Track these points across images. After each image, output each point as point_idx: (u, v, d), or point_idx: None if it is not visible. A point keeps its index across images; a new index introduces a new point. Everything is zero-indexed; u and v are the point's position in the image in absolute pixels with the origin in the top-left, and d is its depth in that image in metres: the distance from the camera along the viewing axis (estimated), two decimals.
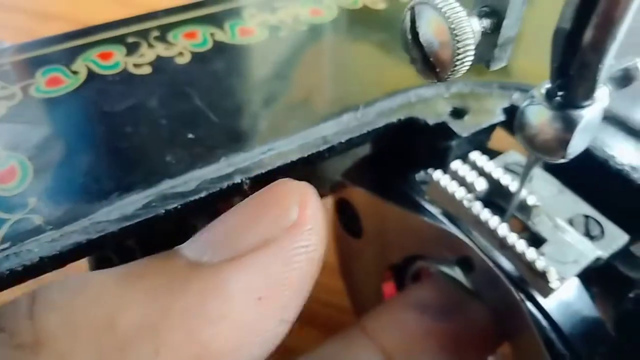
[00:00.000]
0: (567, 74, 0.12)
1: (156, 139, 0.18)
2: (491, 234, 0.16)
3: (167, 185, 0.16)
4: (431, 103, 0.20)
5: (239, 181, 0.16)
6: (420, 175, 0.20)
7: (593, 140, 0.19)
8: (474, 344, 0.17)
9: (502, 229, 0.16)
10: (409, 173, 0.20)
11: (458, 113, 0.19)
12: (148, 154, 0.17)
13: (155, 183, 0.16)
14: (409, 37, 0.13)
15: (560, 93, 0.13)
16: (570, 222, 0.17)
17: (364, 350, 0.16)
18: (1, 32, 0.45)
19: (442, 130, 0.19)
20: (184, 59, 0.21)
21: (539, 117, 0.13)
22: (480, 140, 0.19)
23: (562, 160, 0.14)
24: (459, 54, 0.13)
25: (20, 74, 0.19)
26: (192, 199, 0.16)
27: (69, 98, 0.19)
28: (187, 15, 0.23)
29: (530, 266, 0.15)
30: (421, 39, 0.13)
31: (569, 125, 0.13)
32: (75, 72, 0.20)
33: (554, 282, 0.15)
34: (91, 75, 0.20)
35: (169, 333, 0.09)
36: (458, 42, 0.13)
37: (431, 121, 0.19)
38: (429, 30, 0.13)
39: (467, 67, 0.13)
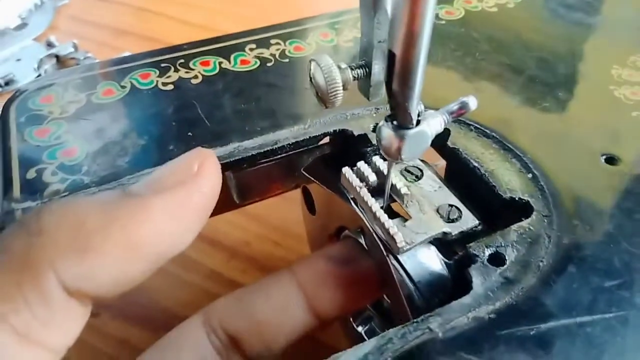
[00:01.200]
0: (393, 108, 0.20)
1: (167, 134, 0.27)
2: (371, 211, 0.23)
3: None
4: (360, 120, 0.27)
5: None
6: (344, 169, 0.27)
7: (471, 153, 0.26)
8: (361, 288, 0.25)
9: (376, 207, 0.23)
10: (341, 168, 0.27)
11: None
12: (160, 144, 0.26)
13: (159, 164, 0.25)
14: (309, 79, 0.22)
15: (393, 119, 0.20)
16: (438, 209, 0.24)
17: (287, 281, 0.24)
18: (86, 45, 0.57)
19: (363, 140, 0.26)
20: (197, 80, 0.30)
21: (384, 133, 0.21)
22: None
23: (402, 162, 0.21)
24: (330, 93, 0.21)
25: (86, 86, 0.29)
26: None
27: (116, 104, 0.28)
28: (204, 48, 0.32)
29: (388, 232, 0.22)
30: (312, 82, 0.21)
31: (400, 138, 0.20)
32: (123, 87, 0.29)
33: (400, 243, 0.22)
34: (133, 89, 0.29)
35: (115, 229, 0.17)
36: (329, 85, 0.20)
37: (356, 132, 0.27)
38: (317, 77, 0.21)
39: (340, 100, 0.21)
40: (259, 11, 0.59)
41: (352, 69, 0.21)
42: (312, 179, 0.29)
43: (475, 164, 0.25)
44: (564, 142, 0.27)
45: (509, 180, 0.24)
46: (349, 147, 0.28)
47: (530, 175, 0.25)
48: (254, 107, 0.28)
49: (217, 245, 0.38)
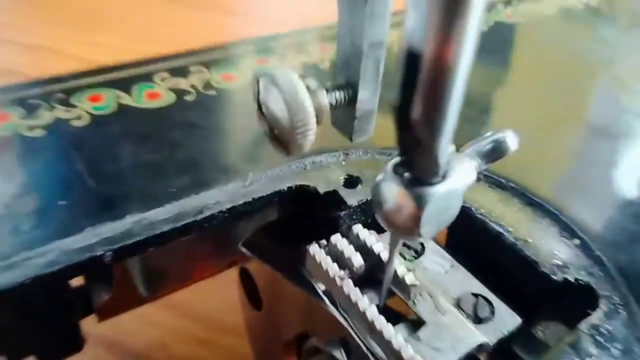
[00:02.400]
0: (406, 151, 0.12)
1: (24, 204, 0.17)
2: (364, 318, 0.15)
3: (19, 258, 0.15)
4: (325, 171, 0.19)
5: (100, 253, 0.15)
6: (312, 247, 0.19)
7: (488, 212, 0.18)
8: None
9: (371, 312, 0.14)
10: (302, 244, 0.19)
11: (351, 181, 0.18)
12: (10, 221, 0.16)
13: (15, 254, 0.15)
14: (256, 108, 0.13)
15: (406, 169, 0.12)
16: (458, 302, 0.16)
17: None
18: None
19: (333, 199, 0.18)
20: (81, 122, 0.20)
21: (389, 193, 0.13)
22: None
23: (421, 240, 0.13)
24: (298, 129, 0.12)
25: None
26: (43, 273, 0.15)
27: None
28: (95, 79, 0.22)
29: (398, 355, 0.14)
30: (265, 112, 0.13)
31: (417, 203, 0.12)
32: None
33: None
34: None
35: None
36: (295, 116, 0.12)
37: (322, 189, 0.18)
38: (272, 104, 0.12)
39: (310, 141, 0.13)
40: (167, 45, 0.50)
41: (328, 92, 0.13)
42: (255, 257, 0.20)
43: (499, 229, 0.17)
44: (604, 189, 0.20)
45: (552, 251, 0.17)
46: (310, 212, 0.19)
47: (576, 242, 0.17)
48: (166, 158, 0.19)
49: (120, 351, 0.27)
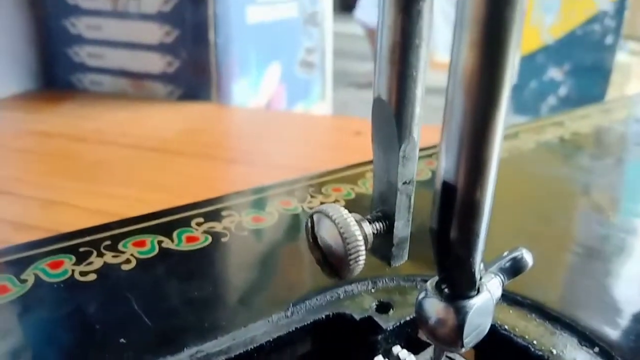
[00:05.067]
0: (446, 269, 0.14)
1: (87, 343, 0.18)
2: None
3: None
4: (358, 299, 0.21)
5: None
6: None
7: (512, 328, 0.19)
8: None
9: None
10: None
11: (383, 307, 0.20)
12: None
13: None
14: (310, 240, 0.15)
15: (445, 285, 0.14)
16: None
17: None
18: None
19: (368, 325, 0.19)
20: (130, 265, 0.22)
21: (432, 309, 0.14)
22: (408, 334, 0.20)
23: (463, 350, 0.14)
24: (351, 255, 0.14)
25: None
26: None
27: (10, 306, 0.20)
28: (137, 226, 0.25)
29: None
30: (320, 243, 0.15)
31: (459, 315, 0.14)
32: (23, 280, 0.21)
33: None
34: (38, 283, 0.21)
35: None
36: (349, 244, 0.14)
37: (357, 316, 0.20)
38: (325, 235, 0.15)
39: (361, 266, 0.15)
40: (178, 194, 0.54)
41: (370, 222, 0.16)
42: None
43: (525, 343, 0.19)
44: (609, 300, 0.22)
45: None
46: (348, 338, 0.20)
47: (597, 350, 0.19)
48: (211, 293, 0.21)
49: None
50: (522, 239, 0.26)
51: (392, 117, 0.15)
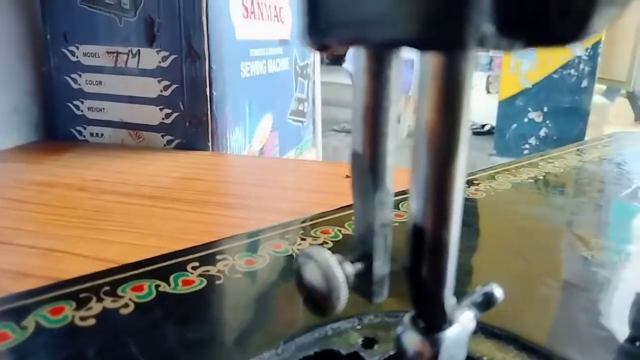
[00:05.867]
0: (420, 303, 0.15)
1: None
2: None
3: None
4: (345, 335, 0.22)
5: None
6: None
7: (490, 359, 0.21)
8: None
9: None
10: None
11: (369, 342, 0.21)
12: None
13: None
14: (297, 281, 0.17)
15: (421, 319, 0.16)
16: None
17: None
18: None
19: None
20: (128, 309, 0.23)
21: (410, 342, 0.16)
22: None
23: None
24: (332, 293, 0.16)
25: None
26: None
27: (10, 354, 0.21)
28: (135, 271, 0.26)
29: None
30: (305, 283, 0.16)
31: (434, 346, 0.15)
32: (24, 328, 0.22)
33: None
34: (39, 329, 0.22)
35: None
36: (331, 283, 0.16)
37: (344, 351, 0.21)
38: (310, 276, 0.16)
39: (344, 304, 0.16)
40: (173, 239, 0.55)
41: (351, 263, 0.17)
42: None
43: None
44: (586, 331, 0.23)
45: None
46: None
47: None
48: (207, 334, 0.22)
49: None
50: (500, 273, 0.28)
51: (367, 169, 0.16)
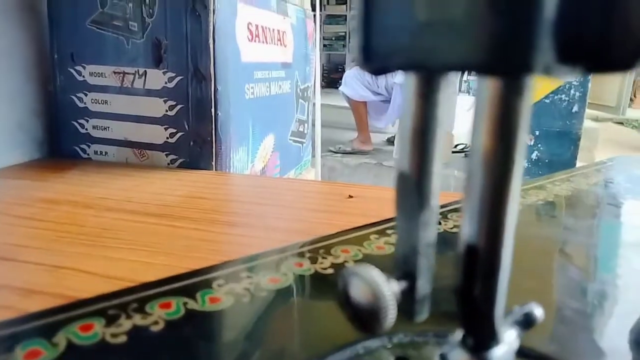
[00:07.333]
0: (470, 323, 0.16)
1: None
2: None
3: None
4: (376, 354, 0.22)
5: None
6: None
7: None
8: None
9: None
10: None
11: None
12: None
13: None
14: (343, 299, 0.17)
15: (470, 338, 0.16)
16: None
17: None
18: None
19: None
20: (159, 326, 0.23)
21: (458, 359, 0.16)
22: None
23: None
24: (381, 311, 0.16)
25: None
26: None
27: None
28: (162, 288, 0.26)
29: None
30: (352, 301, 0.17)
31: None
32: (55, 344, 0.22)
33: None
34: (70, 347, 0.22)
35: None
36: (379, 301, 0.16)
37: None
38: (357, 294, 0.16)
39: (392, 321, 0.16)
40: (184, 258, 0.55)
41: (396, 281, 0.17)
42: None
43: None
44: (603, 348, 0.23)
45: None
46: None
47: None
48: (237, 352, 0.22)
49: None
50: (518, 294, 0.28)
51: (414, 189, 0.17)
